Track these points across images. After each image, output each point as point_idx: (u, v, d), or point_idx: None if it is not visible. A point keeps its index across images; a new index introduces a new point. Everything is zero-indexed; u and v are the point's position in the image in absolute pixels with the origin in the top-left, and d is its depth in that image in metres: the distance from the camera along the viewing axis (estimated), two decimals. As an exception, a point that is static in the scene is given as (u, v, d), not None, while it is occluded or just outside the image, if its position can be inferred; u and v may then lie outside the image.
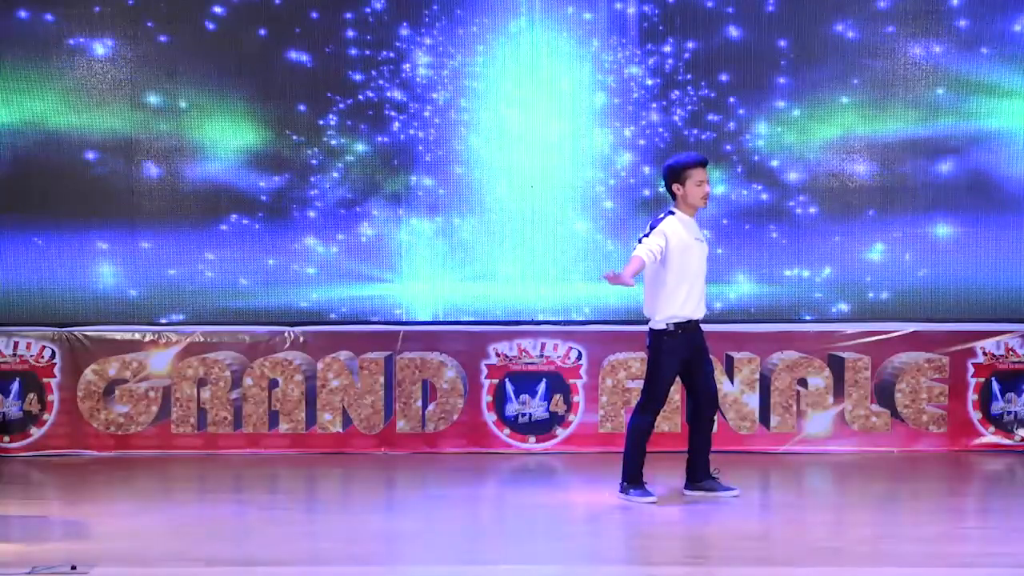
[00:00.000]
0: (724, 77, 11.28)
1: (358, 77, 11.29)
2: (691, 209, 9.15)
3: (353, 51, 11.28)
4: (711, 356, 9.41)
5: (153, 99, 11.32)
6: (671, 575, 7.38)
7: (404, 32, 11.28)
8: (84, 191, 11.34)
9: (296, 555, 7.70)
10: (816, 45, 11.26)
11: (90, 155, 11.32)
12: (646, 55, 11.28)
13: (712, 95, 11.29)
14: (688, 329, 9.10)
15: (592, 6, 11.28)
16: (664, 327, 9.07)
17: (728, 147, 11.32)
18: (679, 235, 9.04)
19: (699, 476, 9.32)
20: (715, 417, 9.46)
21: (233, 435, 11.24)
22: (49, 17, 11.21)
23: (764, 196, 11.34)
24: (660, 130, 11.32)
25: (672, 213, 9.13)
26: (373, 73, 11.30)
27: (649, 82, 11.30)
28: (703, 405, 9.26)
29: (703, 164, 9.18)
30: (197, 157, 11.37)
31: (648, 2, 11.25)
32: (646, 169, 11.32)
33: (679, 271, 9.03)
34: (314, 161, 11.35)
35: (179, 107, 11.32)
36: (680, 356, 9.11)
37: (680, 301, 9.05)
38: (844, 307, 11.36)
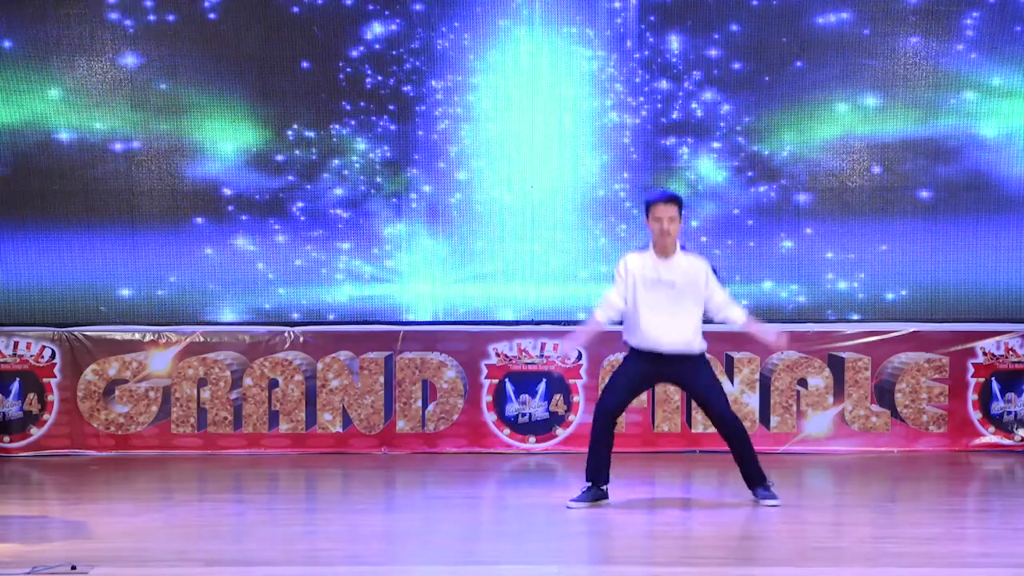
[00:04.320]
0: (724, 77, 11.28)
1: (358, 77, 11.30)
2: (657, 245, 9.01)
3: (353, 52, 11.28)
4: (715, 384, 9.14)
5: (153, 98, 11.33)
6: (671, 575, 7.37)
7: (405, 33, 11.28)
8: (84, 191, 11.34)
9: (296, 555, 7.70)
10: (817, 45, 11.26)
11: (90, 155, 11.33)
12: (646, 55, 11.28)
13: (712, 95, 11.29)
14: (648, 359, 9.00)
15: (592, 7, 11.28)
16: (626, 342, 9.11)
17: (728, 147, 11.32)
18: (633, 271, 8.97)
19: (750, 485, 9.18)
20: (745, 447, 9.04)
21: (233, 435, 11.25)
22: (49, 17, 11.21)
23: (763, 196, 11.34)
24: (660, 129, 11.32)
25: (645, 248, 9.09)
26: (373, 73, 11.30)
27: (649, 81, 11.30)
28: (722, 433, 9.10)
29: (661, 200, 8.96)
30: (197, 157, 11.37)
31: (648, 2, 11.25)
32: (646, 169, 11.33)
33: (630, 301, 8.99)
34: (314, 161, 11.36)
35: (179, 107, 11.33)
36: (640, 370, 9.01)
37: (630, 329, 9.02)
38: (844, 307, 11.36)
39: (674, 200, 8.97)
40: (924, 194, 11.33)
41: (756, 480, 9.07)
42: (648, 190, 11.15)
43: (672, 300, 8.94)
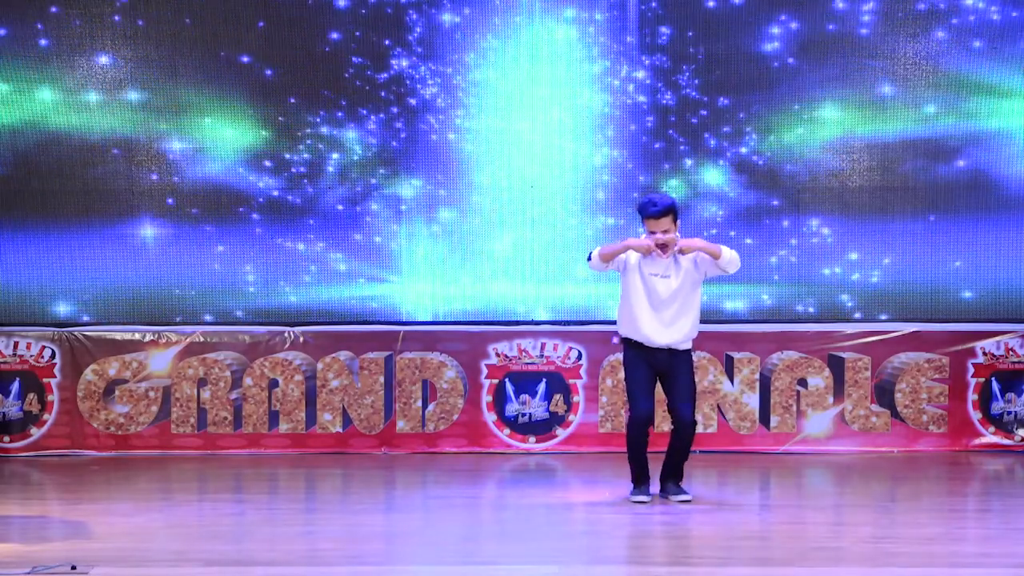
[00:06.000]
0: (723, 77, 11.28)
1: (358, 77, 11.30)
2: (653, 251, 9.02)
3: (354, 52, 11.28)
4: (694, 381, 9.15)
5: (153, 99, 11.32)
6: (671, 575, 7.38)
7: (405, 33, 11.28)
8: (84, 191, 11.34)
9: (296, 555, 7.70)
10: (816, 45, 11.26)
11: (90, 155, 11.33)
12: (646, 55, 11.28)
13: (711, 95, 11.29)
14: (645, 352, 9.01)
15: (593, 6, 11.28)
16: (624, 336, 9.09)
17: (727, 147, 11.32)
18: (632, 265, 8.99)
19: (667, 476, 9.21)
20: (685, 448, 9.09)
21: (233, 435, 11.25)
22: (50, 17, 11.21)
23: (763, 197, 11.34)
24: (660, 129, 11.32)
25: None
26: (373, 73, 11.30)
27: (649, 82, 11.30)
28: (676, 428, 9.12)
29: (653, 216, 8.88)
30: (197, 157, 11.38)
31: (649, 2, 11.25)
32: (646, 168, 11.33)
33: (625, 290, 9.03)
34: (314, 161, 11.36)
35: (179, 107, 11.33)
36: (643, 366, 9.01)
37: (624, 320, 9.04)
38: (844, 307, 11.36)
39: (668, 211, 8.89)
40: (923, 194, 11.33)
41: (676, 477, 9.11)
42: (645, 192, 11.13)
43: (670, 297, 8.96)
